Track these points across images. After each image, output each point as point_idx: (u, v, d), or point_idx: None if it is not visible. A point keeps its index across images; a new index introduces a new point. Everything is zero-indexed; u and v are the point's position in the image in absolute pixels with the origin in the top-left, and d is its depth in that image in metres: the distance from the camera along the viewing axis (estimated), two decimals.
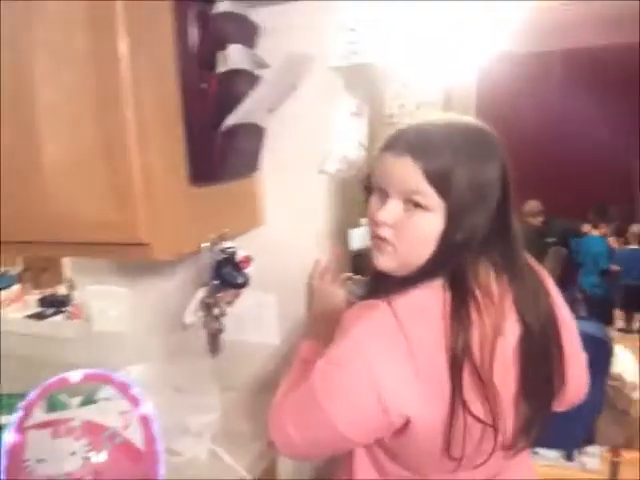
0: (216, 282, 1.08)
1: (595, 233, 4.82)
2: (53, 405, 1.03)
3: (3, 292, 1.94)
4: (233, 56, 1.04)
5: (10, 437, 0.98)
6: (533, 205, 5.49)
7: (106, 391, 1.05)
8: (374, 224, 0.87)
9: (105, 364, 1.12)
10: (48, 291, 1.94)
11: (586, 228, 5.00)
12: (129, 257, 0.97)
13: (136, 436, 1.02)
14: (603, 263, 4.70)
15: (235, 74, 1.06)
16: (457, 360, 0.78)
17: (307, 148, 1.29)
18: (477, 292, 0.82)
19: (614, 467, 2.04)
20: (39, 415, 1.00)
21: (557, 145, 6.46)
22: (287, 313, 1.36)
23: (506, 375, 0.83)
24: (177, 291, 1.40)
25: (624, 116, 6.28)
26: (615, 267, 4.59)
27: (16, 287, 2.02)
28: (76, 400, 1.04)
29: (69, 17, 0.93)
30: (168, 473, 1.05)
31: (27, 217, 1.03)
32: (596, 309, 4.51)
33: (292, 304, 1.34)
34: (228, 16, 1.08)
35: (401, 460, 0.90)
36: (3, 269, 2.21)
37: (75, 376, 1.05)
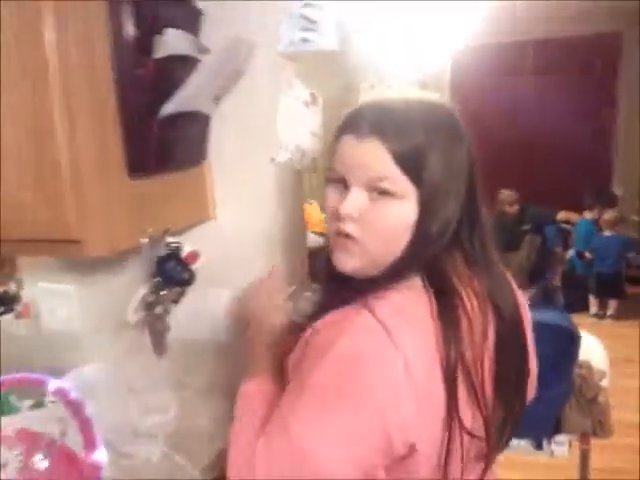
0: (157, 279, 1.02)
1: (588, 216, 4.82)
2: (1, 408, 0.98)
3: None
4: (170, 41, 0.99)
5: None
6: (508, 194, 5.51)
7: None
8: (334, 219, 0.75)
9: (56, 364, 1.07)
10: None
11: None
12: (60, 254, 0.92)
13: (76, 442, 0.98)
14: (579, 245, 4.72)
15: (174, 60, 1.01)
16: (452, 373, 0.70)
17: (258, 138, 1.24)
18: (462, 291, 0.74)
19: (583, 455, 2.04)
20: None
21: (531, 134, 6.48)
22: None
23: (489, 378, 0.76)
24: (126, 288, 1.35)
25: (596, 104, 6.33)
26: (588, 254, 4.61)
27: None
28: (27, 403, 1.00)
29: None
30: (120, 476, 1.01)
31: None
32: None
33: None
34: (167, 0, 1.03)
35: None
36: None
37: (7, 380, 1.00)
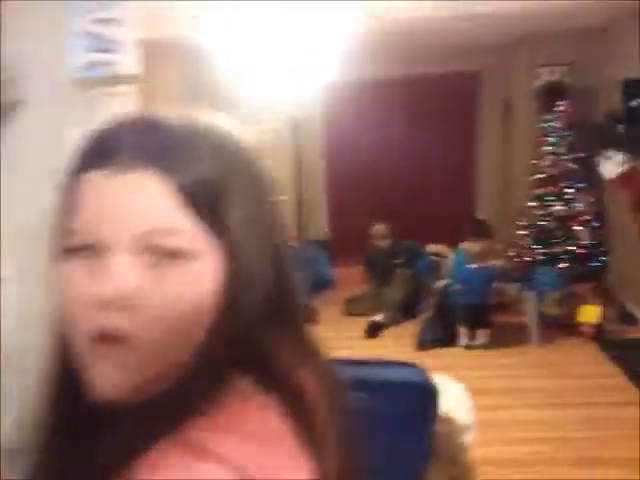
0: None
1: (465, 247, 4.89)
2: None
3: None
4: None
5: None
6: (379, 228, 5.55)
7: None
8: (88, 312, 0.47)
9: None
10: None
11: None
12: None
13: None
14: (452, 277, 4.79)
15: None
16: None
17: (43, 166, 1.01)
18: (308, 393, 0.52)
19: None
20: None
21: (402, 169, 6.63)
22: None
23: None
24: None
25: (460, 139, 6.61)
26: (457, 285, 4.69)
27: None
28: None
29: None
30: None
31: None
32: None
33: None
34: None
35: None
36: None
37: None
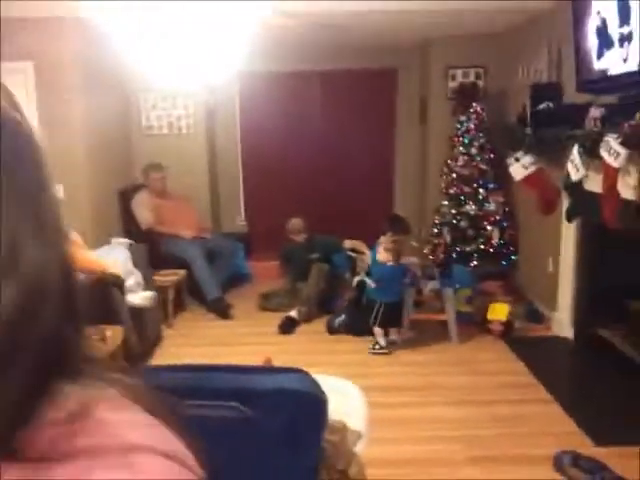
0: None
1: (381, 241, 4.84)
2: None
3: None
4: None
5: None
6: (296, 222, 5.47)
7: None
8: None
9: None
10: None
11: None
12: None
13: None
14: (370, 273, 4.75)
15: None
16: None
17: None
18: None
19: None
20: None
21: (319, 162, 6.58)
22: None
23: None
24: None
25: (377, 135, 6.64)
26: (372, 283, 4.66)
27: None
28: None
29: None
30: None
31: None
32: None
33: None
34: None
35: None
36: None
37: None
